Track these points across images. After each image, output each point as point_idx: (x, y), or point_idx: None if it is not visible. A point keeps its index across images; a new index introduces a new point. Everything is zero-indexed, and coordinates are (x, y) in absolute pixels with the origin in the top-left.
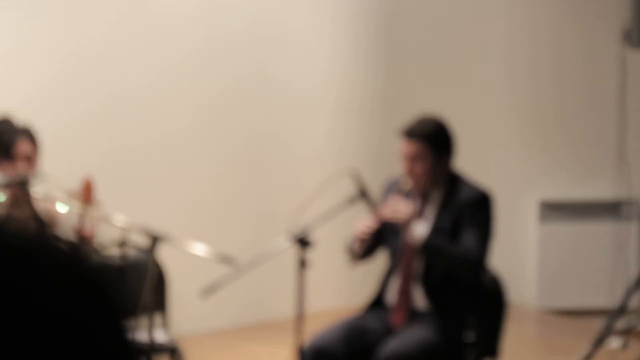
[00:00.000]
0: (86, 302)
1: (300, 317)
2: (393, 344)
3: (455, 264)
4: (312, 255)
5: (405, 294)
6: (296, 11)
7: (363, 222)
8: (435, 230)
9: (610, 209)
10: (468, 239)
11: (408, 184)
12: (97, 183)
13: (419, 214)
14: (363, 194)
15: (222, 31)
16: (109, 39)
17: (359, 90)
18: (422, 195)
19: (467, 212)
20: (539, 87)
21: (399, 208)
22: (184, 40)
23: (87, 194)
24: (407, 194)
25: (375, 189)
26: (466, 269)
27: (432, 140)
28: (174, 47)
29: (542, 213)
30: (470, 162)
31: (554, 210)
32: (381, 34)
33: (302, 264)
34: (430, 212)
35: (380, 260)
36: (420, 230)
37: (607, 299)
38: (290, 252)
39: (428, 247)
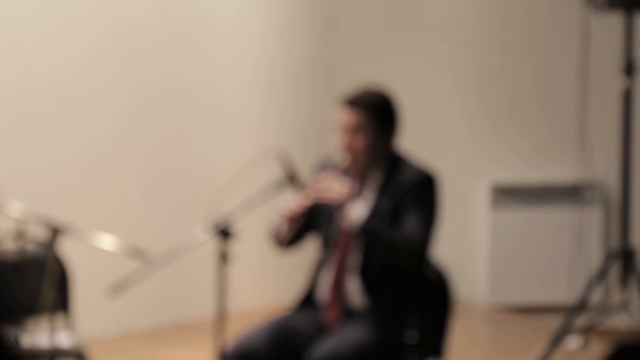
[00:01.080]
0: None
1: (221, 318)
2: (326, 346)
3: (396, 251)
4: (234, 248)
5: (339, 288)
6: None
7: (292, 200)
8: (374, 214)
9: (570, 194)
10: (410, 224)
11: (345, 160)
12: None
13: (356, 196)
14: (292, 177)
15: None
16: None
17: (285, 58)
18: (361, 174)
19: (409, 195)
20: (488, 58)
21: (333, 187)
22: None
23: None
24: (344, 172)
25: (305, 170)
26: (408, 256)
27: (376, 111)
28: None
29: (494, 198)
30: (412, 143)
31: (506, 195)
32: None
33: (223, 257)
34: (369, 194)
35: (310, 251)
36: (357, 212)
37: (566, 294)
38: (210, 244)
39: (365, 232)
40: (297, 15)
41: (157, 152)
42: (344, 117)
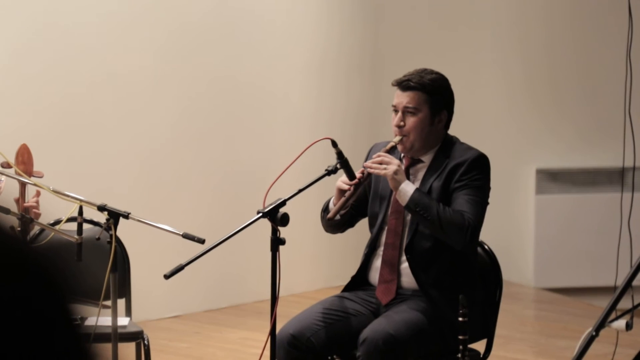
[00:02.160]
0: (31, 291)
1: (275, 300)
2: (378, 325)
3: (447, 228)
4: (289, 233)
5: (391, 269)
6: None
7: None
8: (426, 192)
9: (613, 177)
10: (461, 202)
11: (398, 140)
12: (38, 154)
13: (408, 175)
14: (343, 164)
15: None
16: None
17: (336, 49)
18: (413, 154)
19: (460, 174)
20: (533, 46)
21: (386, 160)
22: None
23: (27, 163)
24: (396, 152)
25: (356, 156)
26: (459, 234)
27: (430, 92)
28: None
29: (539, 183)
30: (459, 129)
31: (551, 179)
32: None
33: (277, 242)
34: (421, 174)
35: (363, 234)
36: (409, 190)
37: (610, 276)
38: (264, 229)
39: (416, 207)
40: (347, 8)
41: (215, 142)
42: (396, 98)
